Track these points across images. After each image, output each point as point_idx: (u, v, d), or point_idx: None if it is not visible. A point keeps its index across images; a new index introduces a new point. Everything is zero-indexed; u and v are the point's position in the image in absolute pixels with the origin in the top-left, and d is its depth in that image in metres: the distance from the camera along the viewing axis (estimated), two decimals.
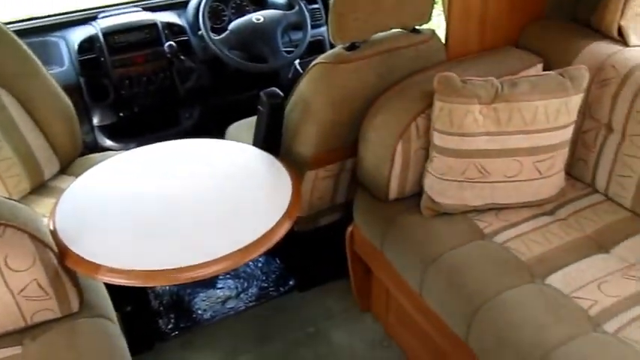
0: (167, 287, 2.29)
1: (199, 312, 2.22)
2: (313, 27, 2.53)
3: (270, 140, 1.79)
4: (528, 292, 1.49)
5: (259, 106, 1.77)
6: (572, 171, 1.90)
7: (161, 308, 2.23)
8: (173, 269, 1.36)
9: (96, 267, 1.37)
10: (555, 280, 1.52)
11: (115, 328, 1.51)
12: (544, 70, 1.88)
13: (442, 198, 1.72)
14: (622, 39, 1.83)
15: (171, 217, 1.53)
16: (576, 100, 1.66)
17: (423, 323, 1.75)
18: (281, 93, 1.75)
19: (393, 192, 1.80)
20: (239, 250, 1.39)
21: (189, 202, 1.58)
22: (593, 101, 1.80)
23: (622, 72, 1.73)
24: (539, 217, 1.73)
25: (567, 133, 1.69)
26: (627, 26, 1.81)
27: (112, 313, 1.56)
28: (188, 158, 1.80)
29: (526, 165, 1.67)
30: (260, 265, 2.41)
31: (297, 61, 2.47)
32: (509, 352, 1.41)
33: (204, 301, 2.26)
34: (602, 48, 1.83)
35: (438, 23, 2.43)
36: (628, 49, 1.80)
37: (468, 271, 1.57)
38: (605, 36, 1.87)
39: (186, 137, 1.93)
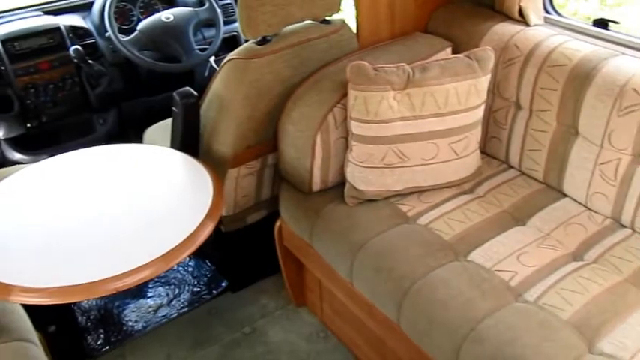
0: (94, 302, 2.21)
1: (130, 324, 2.15)
2: (226, 23, 2.49)
3: (187, 141, 1.75)
4: (453, 270, 1.53)
5: (173, 107, 1.73)
6: (487, 149, 1.97)
7: (89, 324, 2.15)
8: (92, 282, 1.31)
9: (7, 288, 1.30)
10: (477, 255, 1.57)
11: (37, 351, 1.44)
12: (453, 53, 1.94)
13: (365, 186, 1.73)
14: (523, 19, 1.90)
15: (88, 228, 1.48)
16: (484, 81, 1.72)
17: (357, 311, 1.76)
18: (194, 92, 1.72)
19: (317, 184, 1.80)
20: (161, 256, 1.36)
21: (106, 212, 1.53)
22: (501, 80, 1.87)
23: (525, 51, 1.80)
24: (460, 197, 1.78)
25: (479, 113, 1.74)
26: (527, 7, 1.89)
27: (33, 335, 1.49)
28: (103, 166, 1.73)
29: (442, 147, 1.71)
30: (190, 269, 2.36)
31: (212, 59, 2.43)
32: (439, 330, 1.44)
33: (134, 312, 2.19)
34: (506, 29, 1.90)
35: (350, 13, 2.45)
36: (529, 28, 1.87)
37: (395, 255, 1.60)
38: (508, 17, 1.94)
39: (102, 144, 1.86)
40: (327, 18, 1.89)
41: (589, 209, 1.73)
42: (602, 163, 1.66)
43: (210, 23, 2.43)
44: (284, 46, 1.77)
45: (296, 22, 1.81)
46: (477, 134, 1.77)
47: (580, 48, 1.74)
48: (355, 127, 1.68)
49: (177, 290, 2.28)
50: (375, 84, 1.63)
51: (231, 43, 2.53)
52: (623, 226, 1.66)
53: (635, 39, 1.77)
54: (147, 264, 1.35)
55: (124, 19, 2.45)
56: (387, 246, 1.63)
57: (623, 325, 1.36)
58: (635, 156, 1.60)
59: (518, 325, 1.37)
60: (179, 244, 1.39)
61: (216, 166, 1.79)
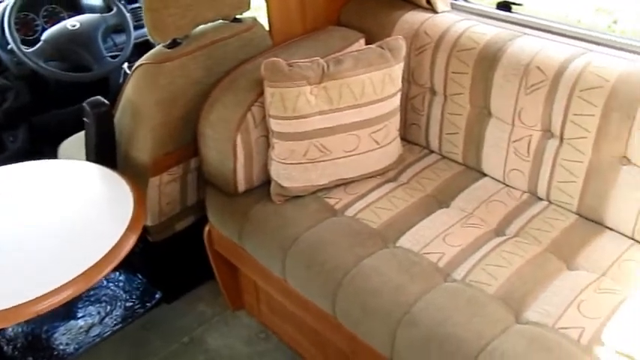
0: (19, 328, 2.10)
1: (61, 347, 2.06)
2: (137, 27, 2.41)
3: (103, 152, 1.69)
4: (383, 258, 1.55)
5: (85, 118, 1.66)
6: (407, 136, 2.01)
7: (16, 353, 2.04)
8: (9, 309, 1.24)
9: None
10: (405, 241, 1.60)
11: None
12: (367, 44, 1.95)
13: (290, 182, 1.73)
14: (431, 7, 1.95)
15: (1, 253, 1.40)
16: (398, 70, 1.74)
17: (294, 308, 1.76)
18: (105, 101, 1.66)
19: (242, 184, 1.78)
20: (82, 275, 1.31)
21: (21, 234, 1.45)
22: (415, 68, 1.91)
23: (434, 37, 1.84)
24: (384, 185, 1.80)
25: (395, 102, 1.77)
26: None
27: None
28: (15, 186, 1.65)
29: (363, 138, 1.73)
30: (121, 284, 2.28)
31: (125, 65, 2.35)
32: (374, 319, 1.46)
33: (64, 334, 2.10)
34: (415, 17, 1.93)
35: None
36: (437, 15, 1.92)
37: (326, 249, 1.60)
38: (417, 5, 1.98)
39: (14, 163, 1.76)
40: (238, 16, 1.87)
41: (507, 186, 1.79)
42: (515, 141, 1.72)
43: (120, 29, 2.35)
44: (195, 48, 1.74)
45: (206, 23, 1.78)
46: (395, 122, 1.80)
47: (486, 31, 1.79)
48: (274, 125, 1.67)
49: (108, 307, 2.20)
50: (291, 80, 1.63)
51: (144, 47, 2.44)
52: (540, 199, 1.73)
53: (535, 19, 1.85)
54: (67, 284, 1.29)
55: (28, 30, 2.34)
56: (317, 240, 1.63)
57: (546, 293, 1.42)
58: (545, 131, 1.67)
59: (448, 305, 1.40)
60: (100, 260, 1.34)
61: (137, 176, 1.73)
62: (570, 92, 1.58)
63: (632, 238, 1.58)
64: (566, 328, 1.32)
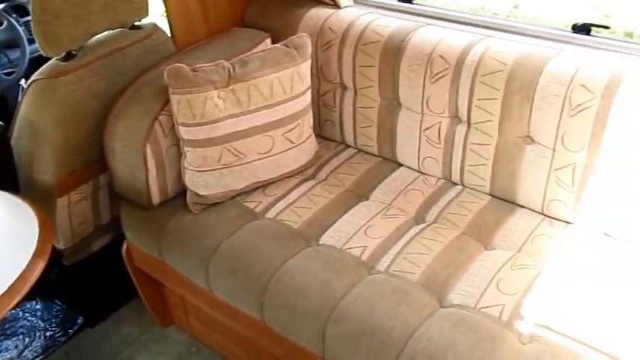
0: None
1: None
2: (32, 42, 2.28)
3: (1, 176, 1.58)
4: (307, 257, 1.53)
5: None
6: (322, 132, 2.01)
7: None
8: None
9: None
10: (328, 238, 1.59)
11: None
12: (273, 44, 1.94)
13: (206, 190, 1.68)
14: (334, 2, 1.95)
15: None
16: (306, 67, 1.74)
17: (222, 317, 1.72)
18: None
19: (156, 196, 1.72)
20: None
21: None
22: (323, 64, 1.91)
23: (339, 33, 1.85)
24: (303, 184, 1.79)
25: (306, 99, 1.76)
26: None
27: None
28: None
29: (277, 138, 1.71)
30: (39, 313, 2.16)
31: (23, 82, 2.22)
32: (302, 318, 1.45)
33: None
34: (319, 13, 1.93)
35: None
36: (340, 10, 1.93)
37: (248, 254, 1.57)
38: (320, 2, 1.98)
39: None
40: (137, 23, 1.80)
41: (423, 173, 1.82)
42: (426, 129, 1.76)
43: (14, 44, 2.22)
44: (93, 59, 1.66)
45: (102, 32, 1.71)
46: (309, 120, 1.79)
47: (389, 23, 1.82)
48: (184, 132, 1.63)
49: (27, 339, 2.07)
50: (196, 85, 1.58)
51: (41, 62, 2.33)
52: (455, 184, 1.78)
53: (435, 9, 1.89)
54: None
55: None
56: (239, 246, 1.59)
57: (467, 275, 1.45)
58: (453, 117, 1.71)
59: (374, 297, 1.41)
60: (5, 293, 1.24)
61: (42, 198, 1.64)
62: (473, 78, 1.62)
63: (542, 214, 1.65)
64: (487, 307, 1.36)
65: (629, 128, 1.44)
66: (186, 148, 1.65)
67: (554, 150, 1.56)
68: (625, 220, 1.52)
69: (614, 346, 1.25)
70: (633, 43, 1.63)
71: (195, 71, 1.60)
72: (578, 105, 1.48)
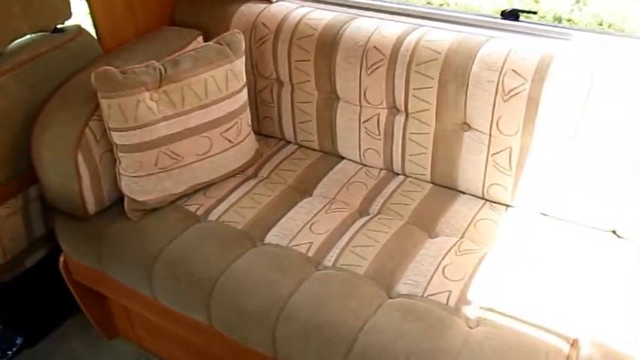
0: None
1: None
2: None
3: None
4: (252, 258, 1.51)
5: None
6: (262, 130, 1.98)
7: None
8: None
9: None
10: (272, 236, 1.57)
11: None
12: (205, 42, 1.89)
13: (144, 195, 1.63)
14: None
15: None
16: (240, 64, 1.70)
17: (169, 325, 1.67)
18: None
19: (92, 206, 1.65)
20: None
21: None
22: (258, 60, 1.87)
23: (273, 28, 1.82)
24: (245, 183, 1.76)
25: (243, 97, 1.73)
26: None
27: None
28: None
29: (215, 138, 1.67)
30: None
31: None
32: (251, 320, 1.42)
33: None
34: (251, 9, 1.90)
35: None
36: (273, 5, 1.90)
37: (192, 259, 1.53)
38: None
39: None
40: (60, 26, 1.72)
41: (365, 165, 1.82)
42: (365, 121, 1.76)
43: None
44: (13, 66, 1.57)
45: (22, 37, 1.62)
46: (246, 118, 1.76)
47: (322, 16, 1.80)
48: (117, 138, 1.56)
49: None
50: (127, 88, 1.52)
51: None
52: (397, 174, 1.79)
53: (369, 0, 1.88)
54: None
55: None
56: (182, 251, 1.55)
57: (413, 264, 1.46)
58: (390, 108, 1.72)
59: (322, 293, 1.40)
60: None
61: None
62: (408, 68, 1.63)
63: (483, 198, 1.68)
64: (434, 295, 1.37)
65: (560, 110, 1.47)
66: (120, 154, 1.59)
67: (490, 135, 1.58)
68: (561, 200, 1.56)
69: (559, 324, 1.28)
70: (561, 27, 1.68)
71: (124, 73, 1.54)
72: (511, 90, 1.51)
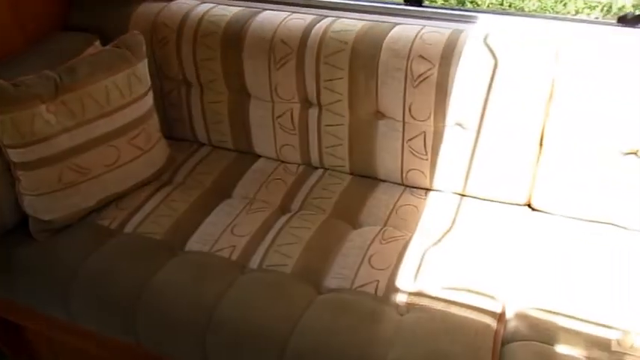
0: None
1: None
2: None
3: None
4: (174, 268, 1.44)
5: None
6: (173, 134, 1.90)
7: None
8: None
9: None
10: (193, 243, 1.51)
11: None
12: (103, 46, 1.79)
13: (50, 214, 1.52)
14: None
15: None
16: (143, 67, 1.62)
17: (93, 349, 1.59)
18: None
19: None
20: None
21: None
22: (162, 62, 1.80)
23: (174, 27, 1.75)
24: (160, 191, 1.68)
25: (148, 101, 1.65)
26: None
27: None
28: None
29: (122, 147, 1.58)
30: None
31: None
32: (178, 333, 1.37)
33: None
34: (150, 8, 1.81)
35: None
36: (172, 3, 1.82)
37: (109, 277, 1.45)
38: None
39: None
40: None
41: (283, 162, 1.79)
42: (278, 117, 1.72)
43: None
44: None
45: None
46: (154, 123, 1.68)
47: (225, 12, 1.75)
48: (14, 155, 1.45)
49: None
50: (20, 102, 1.41)
51: None
52: (316, 168, 1.77)
53: None
54: None
55: None
56: (98, 269, 1.46)
57: (339, 257, 1.45)
58: (303, 102, 1.69)
59: (250, 297, 1.36)
60: None
61: None
62: (317, 60, 1.61)
63: (403, 184, 1.69)
64: (363, 286, 1.37)
65: (468, 92, 1.50)
66: (19, 172, 1.47)
67: (404, 122, 1.59)
68: (476, 180, 1.59)
69: (485, 301, 1.31)
70: (465, 10, 1.71)
71: (16, 85, 1.43)
72: (420, 75, 1.52)
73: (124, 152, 1.59)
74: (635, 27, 1.54)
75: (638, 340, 1.22)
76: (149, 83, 1.65)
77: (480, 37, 1.52)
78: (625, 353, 1.20)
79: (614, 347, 1.21)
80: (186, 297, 1.38)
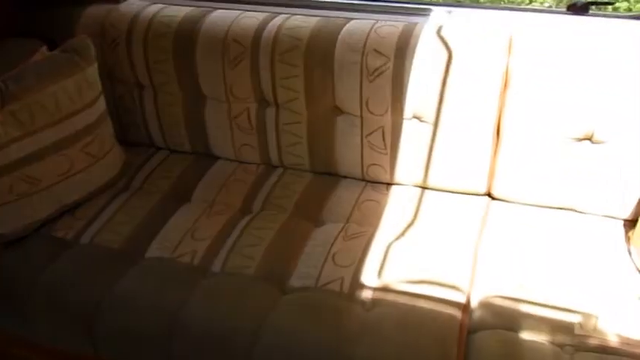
0: None
1: None
2: None
3: None
4: (134, 276, 1.40)
5: None
6: (128, 138, 1.86)
7: None
8: None
9: None
10: (154, 250, 1.47)
11: None
12: (52, 50, 1.73)
13: (3, 227, 1.47)
14: None
15: None
16: (93, 71, 1.58)
17: None
18: None
19: None
20: None
21: None
22: (114, 65, 1.75)
23: (124, 29, 1.71)
24: (117, 198, 1.64)
25: (100, 107, 1.60)
26: None
27: None
28: None
29: (75, 155, 1.53)
30: None
31: None
32: (143, 343, 1.34)
33: None
34: (98, 11, 1.77)
35: None
36: (120, 5, 1.78)
37: (67, 289, 1.40)
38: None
39: None
40: None
41: (242, 162, 1.77)
42: (235, 117, 1.70)
43: None
44: None
45: None
46: (107, 128, 1.64)
47: (176, 13, 1.71)
48: None
49: None
50: None
51: None
52: (275, 167, 1.75)
53: None
54: None
55: None
56: (55, 283, 1.42)
57: (302, 256, 1.43)
58: (260, 101, 1.67)
59: (213, 301, 1.34)
60: None
61: None
62: (271, 58, 1.59)
63: (364, 180, 1.69)
64: (327, 284, 1.35)
65: (424, 84, 1.50)
66: None
67: (361, 117, 1.59)
68: (436, 172, 1.60)
69: (449, 292, 1.31)
70: (418, 3, 1.70)
71: None
72: (375, 70, 1.51)
73: (77, 160, 1.54)
74: (584, 14, 1.57)
75: (600, 322, 1.24)
76: (100, 88, 1.60)
77: (434, 29, 1.52)
78: (588, 336, 1.22)
79: (577, 330, 1.23)
80: (148, 305, 1.35)
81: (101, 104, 1.60)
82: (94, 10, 1.76)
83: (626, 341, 1.20)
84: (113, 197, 1.64)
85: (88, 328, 1.36)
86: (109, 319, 1.36)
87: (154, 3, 1.78)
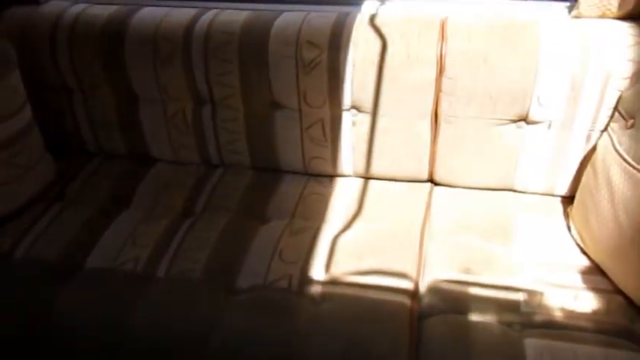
0: None
1: None
2: None
3: None
4: (74, 289, 1.34)
5: None
6: (59, 146, 1.77)
7: None
8: None
9: None
10: (94, 260, 1.42)
11: None
12: None
13: None
14: None
15: None
16: (15, 78, 1.51)
17: None
18: None
19: None
20: None
21: None
22: (38, 70, 1.67)
23: (46, 31, 1.63)
24: (51, 209, 1.57)
25: (26, 115, 1.53)
26: None
27: None
28: None
29: (1, 166, 1.46)
30: None
31: None
32: (88, 358, 1.28)
33: None
34: (17, 13, 1.70)
35: None
36: (42, 6, 1.70)
37: (2, 307, 1.33)
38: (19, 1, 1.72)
39: None
40: None
41: (181, 164, 1.72)
42: (171, 117, 1.65)
43: None
44: None
45: None
46: (36, 137, 1.57)
47: (100, 12, 1.64)
48: None
49: None
50: None
51: None
52: (216, 166, 1.71)
53: None
54: None
55: None
56: None
57: (249, 255, 1.40)
58: (195, 99, 1.62)
59: (159, 308, 1.30)
60: None
61: None
62: (205, 55, 1.55)
63: (307, 173, 1.67)
64: (276, 281, 1.33)
65: (360, 75, 1.49)
66: None
67: (300, 110, 1.57)
68: (378, 162, 1.60)
69: (397, 280, 1.31)
70: None
71: None
72: (310, 62, 1.49)
73: (4, 171, 1.46)
74: None
75: (545, 299, 1.26)
76: (24, 95, 1.52)
77: (367, 18, 1.51)
78: (534, 312, 1.24)
79: (524, 308, 1.25)
80: (92, 320, 1.29)
81: (27, 112, 1.53)
82: (13, 13, 1.67)
83: (571, 314, 1.23)
84: (46, 208, 1.57)
85: (27, 347, 1.30)
86: (50, 340, 1.29)
87: (77, 3, 1.70)
